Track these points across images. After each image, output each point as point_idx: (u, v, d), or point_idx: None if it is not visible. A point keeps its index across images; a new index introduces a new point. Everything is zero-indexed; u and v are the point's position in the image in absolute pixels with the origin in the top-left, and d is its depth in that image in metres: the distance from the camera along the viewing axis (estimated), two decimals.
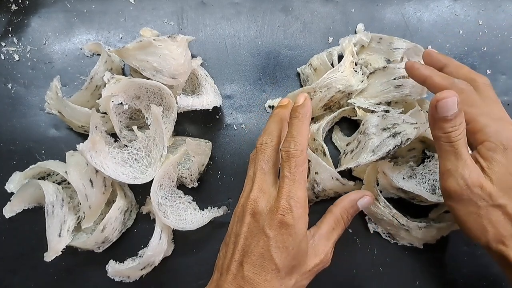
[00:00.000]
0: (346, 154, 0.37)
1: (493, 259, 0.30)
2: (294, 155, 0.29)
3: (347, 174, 0.39)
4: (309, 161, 0.37)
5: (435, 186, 0.35)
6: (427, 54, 0.35)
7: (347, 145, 0.39)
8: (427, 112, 0.38)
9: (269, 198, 0.29)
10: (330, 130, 0.41)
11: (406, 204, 0.38)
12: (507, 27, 0.43)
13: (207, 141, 0.40)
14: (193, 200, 0.39)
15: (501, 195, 0.28)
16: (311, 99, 0.38)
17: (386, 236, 0.38)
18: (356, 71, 0.39)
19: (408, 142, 0.33)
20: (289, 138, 0.30)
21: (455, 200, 0.29)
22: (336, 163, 0.38)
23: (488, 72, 0.42)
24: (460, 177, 0.28)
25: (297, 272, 0.29)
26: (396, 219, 0.36)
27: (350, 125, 0.41)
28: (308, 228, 0.30)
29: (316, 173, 0.36)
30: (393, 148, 0.33)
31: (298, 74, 0.42)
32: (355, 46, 0.40)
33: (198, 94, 0.37)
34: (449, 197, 0.29)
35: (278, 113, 0.34)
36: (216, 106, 0.38)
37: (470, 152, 0.29)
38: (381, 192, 0.37)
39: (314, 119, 0.40)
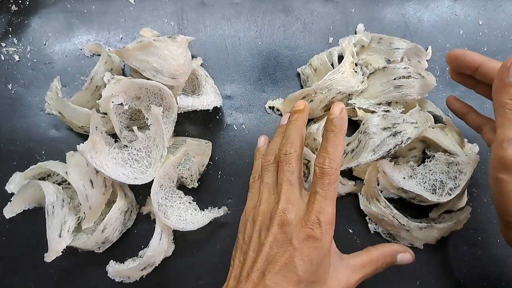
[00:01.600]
0: (346, 154, 0.37)
1: None
2: (328, 173, 0.29)
3: (348, 174, 0.39)
4: (308, 161, 0.37)
5: (435, 186, 0.35)
6: (460, 54, 0.32)
7: (347, 144, 0.39)
8: (427, 112, 0.39)
9: (298, 210, 0.29)
10: None
11: (407, 204, 0.38)
12: (507, 27, 0.43)
13: (207, 141, 0.40)
14: (193, 201, 0.39)
15: None
16: (312, 101, 0.38)
17: (386, 236, 0.38)
18: (356, 71, 0.39)
19: (409, 142, 0.33)
20: (324, 154, 0.30)
21: (510, 171, 0.27)
22: None
23: None
24: (504, 147, 0.27)
25: None
26: (396, 220, 0.36)
27: (350, 125, 0.41)
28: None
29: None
30: (394, 147, 0.33)
31: (298, 74, 0.42)
32: (355, 46, 0.40)
33: (198, 95, 0.37)
34: (504, 168, 0.27)
35: (298, 119, 0.34)
36: (216, 107, 0.38)
37: None
38: (381, 192, 0.37)
39: (314, 119, 0.40)
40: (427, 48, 0.41)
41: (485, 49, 0.42)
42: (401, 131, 0.33)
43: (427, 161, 0.37)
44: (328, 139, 0.30)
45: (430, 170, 0.36)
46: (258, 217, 0.31)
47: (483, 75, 0.31)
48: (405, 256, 0.34)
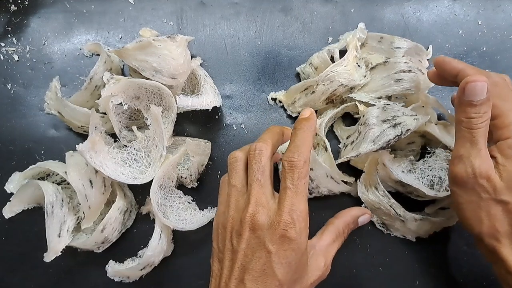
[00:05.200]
0: (346, 146, 0.37)
1: (480, 251, 0.30)
2: (297, 165, 0.28)
3: (347, 168, 0.39)
4: None
5: (433, 182, 0.35)
6: (440, 61, 0.32)
7: (347, 137, 0.39)
8: (430, 108, 0.39)
9: (269, 212, 0.28)
10: (331, 126, 0.41)
11: (404, 199, 0.37)
12: (506, 27, 0.43)
13: (206, 141, 0.40)
14: (192, 200, 0.39)
15: (506, 193, 0.28)
16: (313, 92, 0.38)
17: (380, 226, 0.38)
18: (359, 65, 0.39)
19: (408, 133, 0.33)
20: (293, 148, 0.29)
21: (459, 186, 0.29)
22: (336, 157, 0.38)
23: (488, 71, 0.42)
24: (470, 165, 0.28)
25: (299, 285, 0.29)
26: (393, 209, 0.36)
27: (353, 122, 0.41)
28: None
29: (312, 169, 0.36)
30: (394, 138, 0.33)
31: (298, 74, 0.42)
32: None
33: (198, 94, 0.37)
34: (454, 182, 0.30)
35: (305, 127, 0.31)
36: (216, 106, 0.38)
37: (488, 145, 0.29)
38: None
39: (317, 114, 0.40)
40: (428, 47, 0.41)
41: (484, 48, 0.42)
42: (401, 123, 0.34)
43: (427, 157, 0.37)
44: (296, 134, 0.30)
45: (430, 166, 0.36)
46: (228, 223, 0.29)
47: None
48: (365, 217, 0.35)
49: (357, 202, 0.39)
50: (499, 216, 0.28)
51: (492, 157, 0.29)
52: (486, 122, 0.28)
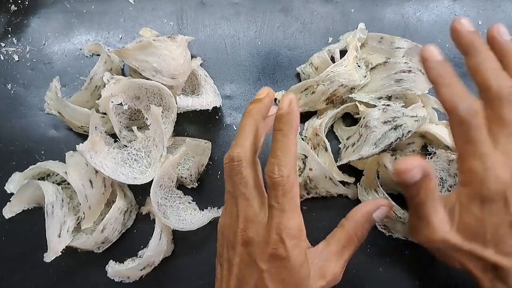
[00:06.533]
0: (347, 148, 0.37)
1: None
2: (279, 182, 0.25)
3: (346, 169, 0.39)
4: (305, 156, 0.37)
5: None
6: (458, 29, 0.28)
7: (347, 138, 0.39)
8: (431, 108, 0.39)
9: (257, 227, 0.26)
10: (331, 126, 0.41)
11: (405, 202, 0.37)
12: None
13: (206, 141, 0.40)
14: (193, 201, 0.39)
15: (466, 243, 0.26)
16: (313, 92, 0.38)
17: (381, 228, 0.38)
18: (359, 66, 0.39)
19: (409, 135, 0.33)
20: (273, 159, 0.26)
21: (424, 246, 0.29)
22: (336, 157, 0.39)
23: None
24: (422, 235, 0.27)
25: None
26: (394, 212, 0.36)
27: (353, 122, 0.41)
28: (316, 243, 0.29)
29: (311, 169, 0.36)
30: (395, 140, 0.33)
31: (298, 74, 0.42)
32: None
33: (198, 95, 0.37)
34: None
35: (251, 112, 0.28)
36: (216, 106, 0.38)
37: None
38: (381, 186, 0.37)
39: (317, 114, 0.40)
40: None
41: None
42: (401, 125, 0.34)
43: (428, 158, 0.37)
44: (276, 140, 0.26)
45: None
46: (224, 231, 0.29)
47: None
48: (381, 212, 0.30)
49: (357, 203, 0.39)
50: (472, 261, 0.27)
51: (448, 206, 0.27)
52: (430, 194, 0.26)
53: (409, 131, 0.33)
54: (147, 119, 0.36)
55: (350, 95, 0.38)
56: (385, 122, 0.35)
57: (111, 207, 0.36)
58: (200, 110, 0.37)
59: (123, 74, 0.41)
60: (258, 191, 0.28)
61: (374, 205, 0.30)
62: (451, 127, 0.26)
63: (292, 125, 0.26)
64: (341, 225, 0.30)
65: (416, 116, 0.34)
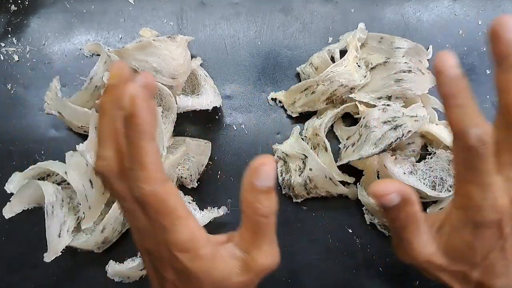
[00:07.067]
0: (347, 148, 0.37)
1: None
2: (145, 202, 0.21)
3: (346, 169, 0.39)
4: (306, 156, 0.37)
5: (435, 183, 0.35)
6: (499, 34, 0.22)
7: (347, 138, 0.39)
8: (432, 108, 0.39)
9: (150, 240, 0.24)
10: (331, 126, 0.41)
11: None
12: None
13: (206, 141, 0.40)
14: (192, 201, 0.39)
15: (453, 264, 0.26)
16: (313, 92, 0.38)
17: (381, 228, 0.38)
18: (359, 66, 0.39)
19: (409, 135, 0.33)
20: (130, 176, 0.21)
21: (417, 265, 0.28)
22: (336, 157, 0.39)
23: (488, 72, 0.42)
24: (405, 255, 0.27)
25: None
26: None
27: (353, 122, 0.41)
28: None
29: (310, 169, 0.36)
30: (395, 140, 0.33)
31: (298, 74, 0.42)
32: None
33: (198, 95, 0.37)
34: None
35: (104, 110, 0.23)
36: (216, 106, 0.38)
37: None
38: None
39: (317, 114, 0.40)
40: (428, 48, 0.41)
41: (484, 49, 0.42)
42: (401, 125, 0.34)
43: (428, 158, 0.37)
44: (129, 150, 0.21)
45: (431, 167, 0.36)
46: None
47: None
48: (261, 178, 0.23)
49: (357, 203, 0.39)
50: (459, 280, 0.26)
51: (437, 223, 0.26)
52: (411, 219, 0.25)
53: (409, 131, 0.33)
54: None
55: (350, 95, 0.38)
56: (385, 122, 0.35)
57: (111, 207, 0.36)
58: (200, 110, 0.37)
59: None
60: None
61: (250, 169, 0.24)
62: (455, 149, 0.24)
63: (140, 129, 0.20)
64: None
65: (416, 116, 0.34)
